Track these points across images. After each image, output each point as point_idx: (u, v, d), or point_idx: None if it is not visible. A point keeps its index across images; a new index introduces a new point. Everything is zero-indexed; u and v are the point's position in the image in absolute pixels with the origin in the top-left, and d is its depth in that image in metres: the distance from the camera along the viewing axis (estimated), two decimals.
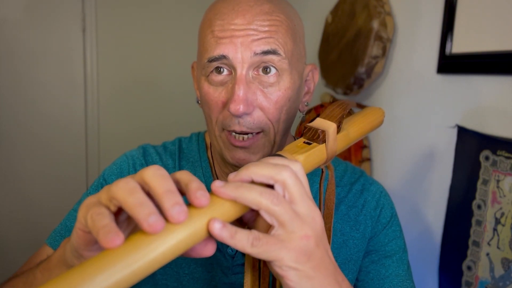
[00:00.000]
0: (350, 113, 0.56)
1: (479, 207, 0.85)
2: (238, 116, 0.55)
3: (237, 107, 0.53)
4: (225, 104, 0.56)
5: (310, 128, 0.50)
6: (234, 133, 0.57)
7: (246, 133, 0.57)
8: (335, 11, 1.33)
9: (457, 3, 0.91)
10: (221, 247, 0.62)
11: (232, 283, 0.62)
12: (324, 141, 0.49)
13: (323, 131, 0.49)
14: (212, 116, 0.58)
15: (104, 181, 0.67)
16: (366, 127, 0.56)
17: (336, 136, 0.50)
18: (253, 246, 0.37)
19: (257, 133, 0.58)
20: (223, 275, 0.62)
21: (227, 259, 0.62)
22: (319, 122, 0.50)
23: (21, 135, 2.18)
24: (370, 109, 0.59)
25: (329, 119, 0.50)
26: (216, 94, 0.57)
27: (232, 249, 0.62)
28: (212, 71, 0.56)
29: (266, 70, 0.55)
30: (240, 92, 0.53)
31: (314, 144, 0.48)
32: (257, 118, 0.56)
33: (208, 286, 0.62)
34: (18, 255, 2.11)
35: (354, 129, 0.54)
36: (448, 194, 0.93)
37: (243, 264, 0.62)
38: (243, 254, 0.62)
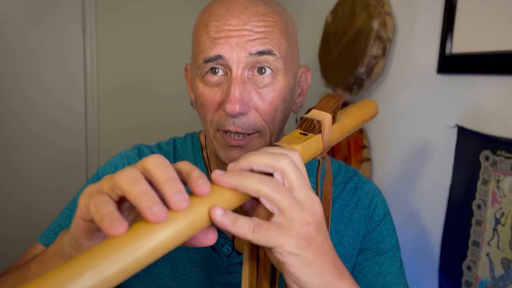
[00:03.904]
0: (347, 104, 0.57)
1: (479, 207, 0.85)
2: (234, 116, 0.55)
3: (233, 107, 0.53)
4: (220, 104, 0.57)
5: (306, 119, 0.50)
6: (229, 133, 0.57)
7: (241, 133, 0.57)
8: (335, 11, 1.33)
9: (457, 3, 0.91)
10: (217, 247, 0.62)
11: (228, 283, 0.62)
12: (320, 132, 0.49)
13: (319, 122, 0.49)
14: (207, 117, 0.58)
15: (98, 180, 0.67)
16: (360, 119, 0.57)
17: (332, 127, 0.50)
18: (254, 233, 0.37)
19: (252, 133, 0.58)
20: (218, 274, 0.62)
21: (222, 259, 0.62)
22: (315, 113, 0.51)
23: (21, 135, 2.19)
24: (364, 101, 0.60)
25: (324, 110, 0.51)
26: (211, 95, 0.57)
27: (227, 249, 0.62)
28: (207, 72, 0.57)
29: (261, 70, 0.56)
30: (236, 92, 0.54)
31: (310, 134, 0.49)
32: (252, 119, 0.56)
33: (204, 285, 0.62)
34: (19, 252, 2.11)
35: (348, 120, 0.55)
36: (448, 194, 0.93)
37: (239, 264, 0.62)
38: (239, 254, 0.62)
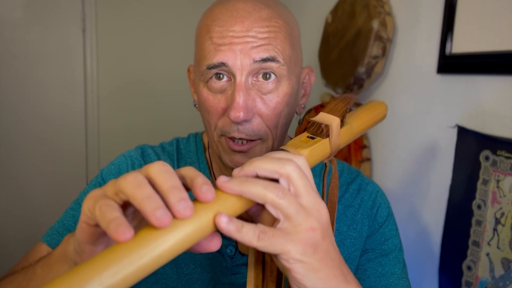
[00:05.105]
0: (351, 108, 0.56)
1: (479, 207, 0.85)
2: (238, 123, 0.55)
3: (237, 114, 0.53)
4: (225, 111, 0.56)
5: (314, 122, 0.49)
6: (232, 138, 0.57)
7: (245, 139, 0.57)
8: (335, 11, 1.33)
9: (457, 3, 0.91)
10: (220, 248, 0.62)
11: (232, 283, 0.62)
12: (327, 136, 0.48)
13: (326, 126, 0.48)
14: (211, 122, 0.58)
15: (102, 180, 0.67)
16: (369, 121, 0.56)
17: (340, 130, 0.49)
18: (260, 240, 0.37)
19: (255, 139, 0.58)
20: (222, 275, 0.62)
21: (226, 260, 0.62)
22: (323, 117, 0.50)
23: (21, 135, 2.18)
24: (373, 103, 0.59)
25: (332, 114, 0.50)
26: (215, 101, 0.57)
27: (231, 250, 0.62)
28: (211, 78, 0.56)
29: (266, 76, 0.56)
30: (240, 99, 0.53)
31: (318, 138, 0.48)
32: (256, 125, 0.56)
33: (208, 286, 0.62)
34: (19, 253, 2.11)
35: (357, 123, 0.54)
36: (448, 194, 0.93)
37: (242, 265, 0.62)
38: (242, 255, 0.62)
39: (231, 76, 0.55)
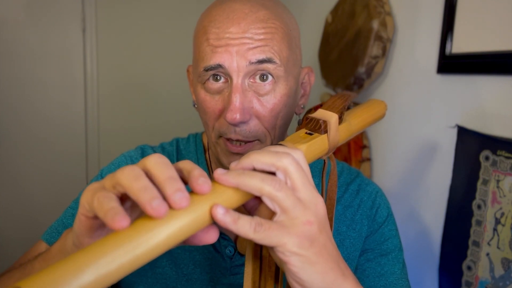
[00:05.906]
0: (349, 107, 0.56)
1: (479, 207, 0.85)
2: (235, 124, 0.55)
3: (234, 116, 0.53)
4: (222, 112, 0.56)
5: (312, 118, 0.49)
6: (230, 140, 0.57)
7: (242, 141, 0.57)
8: (335, 11, 1.33)
9: (457, 3, 0.91)
10: (219, 248, 0.62)
11: (231, 284, 0.62)
12: (326, 132, 0.48)
13: (324, 122, 0.48)
14: (209, 123, 0.59)
15: None
16: (368, 119, 0.56)
17: (338, 127, 0.50)
18: (256, 232, 0.37)
19: (252, 140, 0.58)
20: (221, 275, 0.62)
21: (225, 260, 0.62)
22: (321, 113, 0.50)
23: (21, 135, 2.18)
24: (373, 102, 0.59)
25: (330, 110, 0.50)
26: (213, 102, 0.57)
27: (230, 250, 0.62)
28: (208, 79, 0.57)
29: (262, 77, 0.55)
30: (236, 101, 0.53)
31: (316, 134, 0.48)
32: (253, 126, 0.56)
33: (207, 286, 0.62)
34: (18, 253, 2.11)
35: (356, 120, 0.54)
36: (448, 194, 0.93)
37: (241, 265, 0.62)
38: (241, 255, 0.62)
39: (228, 77, 0.55)
